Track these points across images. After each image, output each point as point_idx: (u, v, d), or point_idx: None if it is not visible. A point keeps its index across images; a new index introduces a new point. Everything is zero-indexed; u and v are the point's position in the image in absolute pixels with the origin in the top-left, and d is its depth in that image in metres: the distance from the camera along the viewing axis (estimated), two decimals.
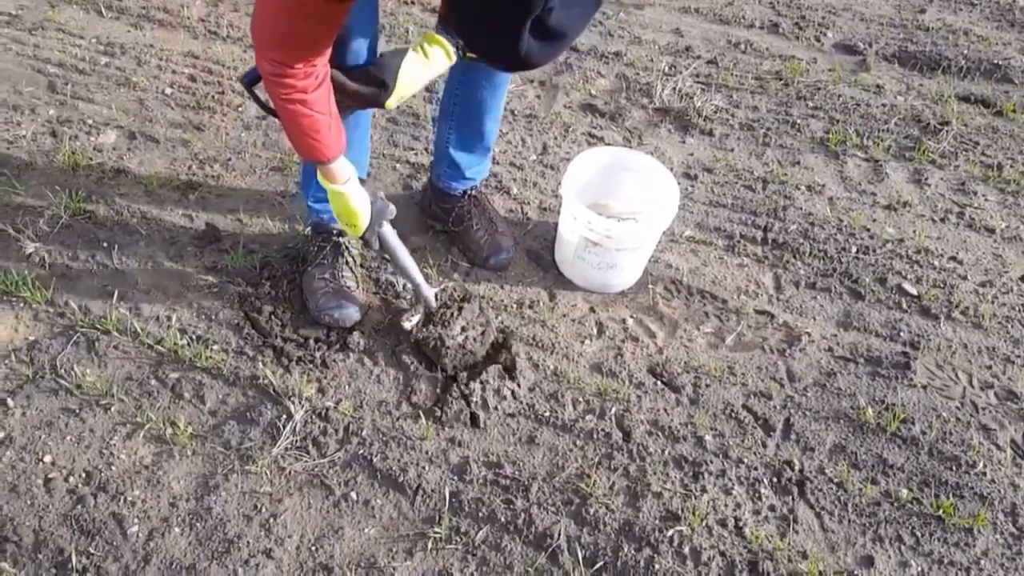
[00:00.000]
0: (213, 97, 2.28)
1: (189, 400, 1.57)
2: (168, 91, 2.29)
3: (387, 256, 1.60)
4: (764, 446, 1.56)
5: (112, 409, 1.54)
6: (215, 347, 1.65)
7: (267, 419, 1.54)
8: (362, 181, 1.48)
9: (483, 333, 1.64)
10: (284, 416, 1.54)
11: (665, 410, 1.61)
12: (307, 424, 1.53)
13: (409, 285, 1.66)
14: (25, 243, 1.81)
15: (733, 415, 1.61)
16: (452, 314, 1.64)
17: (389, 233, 1.55)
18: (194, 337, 1.66)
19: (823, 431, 1.60)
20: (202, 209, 1.94)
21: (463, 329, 1.63)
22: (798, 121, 2.37)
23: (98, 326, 1.66)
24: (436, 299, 1.66)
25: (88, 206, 1.91)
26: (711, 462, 1.52)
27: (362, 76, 1.34)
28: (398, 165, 2.13)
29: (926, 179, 2.21)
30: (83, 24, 2.55)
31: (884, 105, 2.46)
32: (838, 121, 2.39)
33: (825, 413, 1.63)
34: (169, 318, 1.69)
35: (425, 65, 1.36)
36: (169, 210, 1.94)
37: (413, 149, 2.19)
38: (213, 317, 1.70)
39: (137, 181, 2.01)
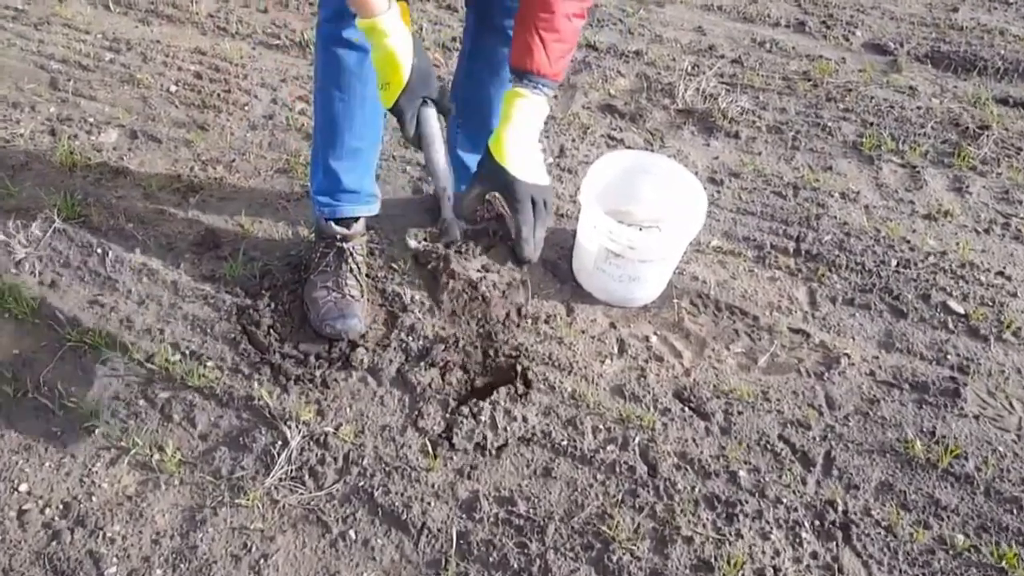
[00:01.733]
0: (219, 95, 2.07)
1: (179, 423, 1.37)
2: (173, 89, 2.09)
3: (421, 147, 1.17)
4: (804, 483, 1.34)
5: (96, 432, 1.34)
6: (209, 364, 1.44)
7: (261, 445, 1.33)
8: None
9: (508, 286, 1.24)
10: (279, 442, 1.33)
11: (694, 440, 1.39)
12: (304, 451, 1.33)
13: (436, 191, 1.21)
14: (16, 248, 1.62)
15: (769, 447, 1.39)
16: (475, 250, 1.26)
17: (431, 115, 1.14)
18: (187, 353, 1.46)
19: (868, 466, 1.38)
20: (202, 213, 1.74)
21: (484, 269, 1.24)
22: (829, 124, 2.12)
23: (87, 340, 1.46)
24: (460, 230, 1.19)
25: (83, 209, 1.70)
26: (746, 502, 1.30)
27: None
28: (408, 167, 1.91)
29: (967, 187, 1.96)
30: (90, 19, 2.34)
31: (919, 108, 2.21)
32: (871, 124, 2.13)
33: (869, 445, 1.41)
34: (162, 331, 1.49)
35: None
36: (168, 214, 1.73)
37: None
38: (208, 330, 1.50)
39: (136, 183, 1.80)
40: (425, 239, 1.27)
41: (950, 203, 1.91)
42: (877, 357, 1.56)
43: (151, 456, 1.31)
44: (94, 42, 2.25)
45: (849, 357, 1.54)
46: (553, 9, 1.12)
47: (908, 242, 1.79)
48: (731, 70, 2.33)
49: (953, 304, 1.65)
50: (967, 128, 2.12)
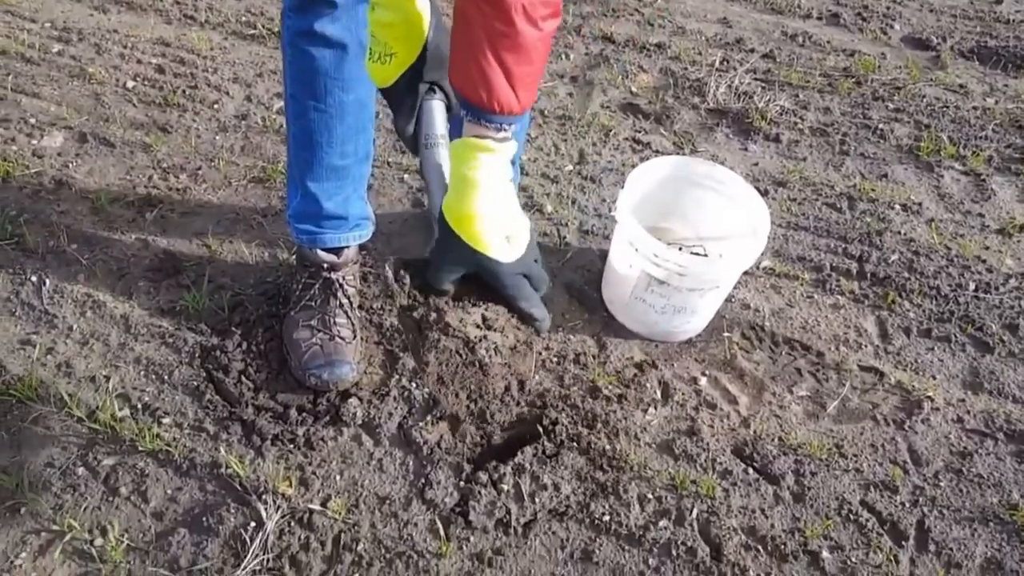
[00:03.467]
0: (184, 92, 1.81)
1: (127, 497, 1.11)
2: (130, 84, 1.82)
3: (416, 150, 0.92)
4: (896, 561, 1.11)
5: (22, 511, 1.08)
6: (165, 421, 1.19)
7: (230, 527, 1.08)
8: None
9: (512, 351, 0.89)
10: (253, 523, 1.08)
11: (763, 511, 1.15)
12: (284, 535, 1.07)
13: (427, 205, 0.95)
14: None
15: (852, 517, 1.16)
16: (473, 296, 0.90)
17: (437, 108, 0.91)
18: (139, 406, 1.20)
19: (969, 539, 1.15)
20: (161, 231, 1.48)
21: (484, 325, 0.89)
22: (880, 126, 1.90)
23: (13, 392, 1.19)
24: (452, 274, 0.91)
25: (16, 228, 1.44)
26: None
27: None
28: (406, 176, 1.67)
29: None
30: (37, 6, 2.06)
31: (975, 108, 2.00)
32: (926, 126, 1.92)
33: (968, 512, 1.18)
34: (108, 379, 1.23)
35: None
36: (120, 233, 1.47)
37: None
38: (165, 378, 1.24)
39: (83, 195, 1.54)
40: (403, 272, 0.90)
41: (1023, 216, 1.70)
42: (964, 400, 1.34)
43: (91, 542, 1.05)
44: (40, 31, 1.97)
45: (932, 400, 1.32)
46: (512, 20, 0.75)
47: (984, 261, 1.57)
48: (764, 65, 2.12)
49: None
50: None
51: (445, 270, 0.86)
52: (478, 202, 0.80)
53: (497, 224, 0.82)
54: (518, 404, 1.24)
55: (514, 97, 0.78)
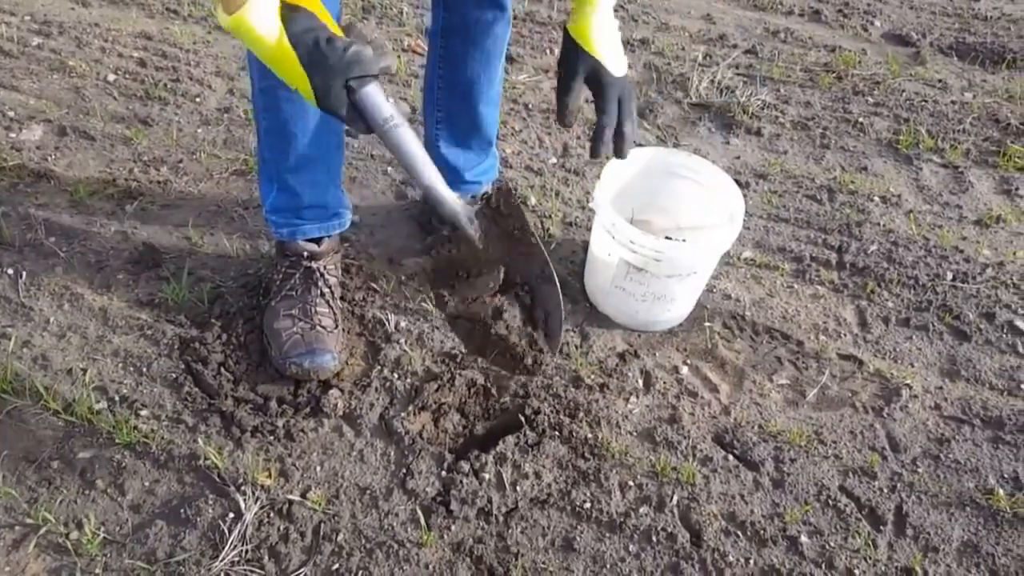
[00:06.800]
0: (166, 85, 1.79)
1: (103, 490, 1.09)
2: (111, 78, 1.80)
3: (382, 138, 0.87)
4: (875, 546, 1.12)
5: None
6: (143, 413, 1.17)
7: (208, 518, 1.06)
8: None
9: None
10: (231, 514, 1.06)
11: (742, 496, 1.15)
12: (262, 525, 1.06)
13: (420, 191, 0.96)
14: None
15: (830, 502, 1.16)
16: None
17: (373, 95, 0.83)
18: (116, 399, 1.18)
19: (946, 523, 1.16)
20: (141, 224, 1.46)
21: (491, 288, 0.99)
22: (860, 120, 1.91)
23: None
24: (472, 222, 0.96)
25: None
26: (812, 575, 1.07)
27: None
28: (390, 168, 1.66)
29: (1016, 189, 1.76)
30: None
31: (953, 102, 2.02)
32: (906, 120, 1.93)
33: (945, 497, 1.19)
34: (85, 371, 1.21)
35: None
36: (99, 225, 1.45)
37: None
38: (144, 370, 1.22)
39: (61, 188, 1.52)
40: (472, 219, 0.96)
41: (1000, 207, 1.71)
42: (941, 388, 1.34)
43: (67, 535, 1.03)
44: (20, 24, 1.94)
45: (910, 388, 1.33)
46: None
47: (961, 252, 1.58)
48: (746, 61, 2.12)
49: (1021, 324, 1.44)
50: (1008, 124, 1.94)
51: (573, 85, 1.02)
52: (596, 14, 0.98)
53: (608, 36, 1.00)
54: (500, 396, 1.23)
55: None
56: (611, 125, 1.04)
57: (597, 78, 1.01)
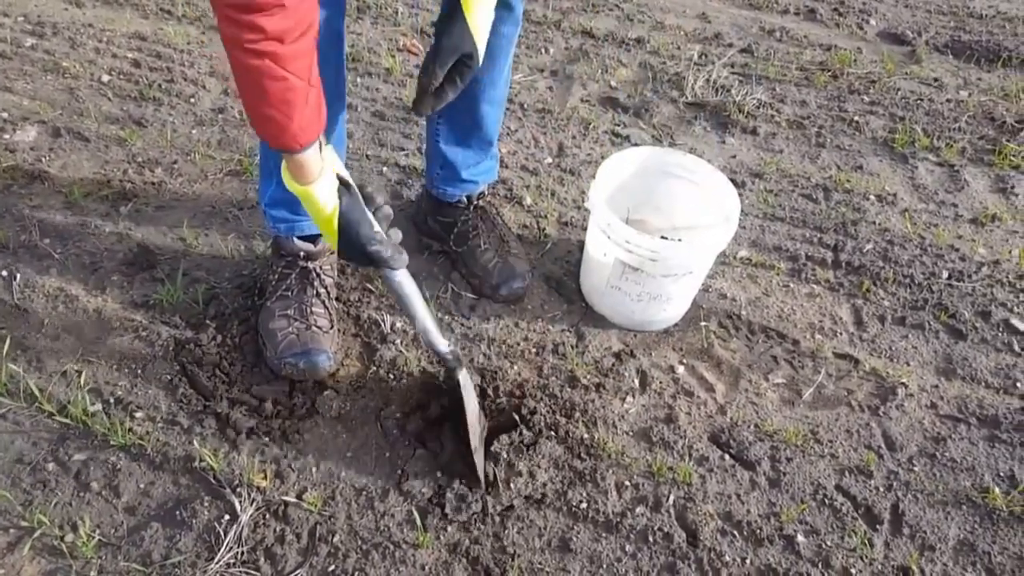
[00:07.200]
0: (160, 86, 1.78)
1: (98, 492, 1.09)
2: (105, 79, 1.79)
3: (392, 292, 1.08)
4: (871, 545, 1.12)
5: None
6: (138, 415, 1.16)
7: (204, 520, 1.06)
8: (347, 185, 0.98)
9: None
10: (227, 516, 1.06)
11: (739, 496, 1.15)
12: (258, 527, 1.06)
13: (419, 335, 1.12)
14: None
15: (827, 501, 1.16)
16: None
17: (386, 274, 1.07)
18: (111, 400, 1.18)
19: (943, 521, 1.16)
20: (135, 225, 1.45)
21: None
22: (856, 119, 1.91)
23: None
24: (455, 359, 1.11)
25: None
26: (809, 574, 1.07)
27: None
28: (385, 168, 1.65)
29: (1012, 188, 1.77)
30: (10, 0, 2.03)
31: (949, 101, 2.02)
32: (901, 119, 1.93)
33: (941, 495, 1.19)
34: (80, 374, 1.21)
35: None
36: (94, 227, 1.44)
37: (404, 149, 1.71)
38: (139, 372, 1.22)
39: (56, 189, 1.51)
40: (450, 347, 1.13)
41: (995, 206, 1.72)
42: (937, 386, 1.34)
43: (62, 537, 1.03)
44: (13, 25, 1.94)
45: (906, 387, 1.33)
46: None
47: (957, 250, 1.58)
48: (741, 60, 2.12)
49: (1017, 322, 1.45)
50: (1004, 123, 1.94)
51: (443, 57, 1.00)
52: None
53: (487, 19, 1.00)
54: (496, 397, 1.23)
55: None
56: (450, 92, 1.04)
57: (467, 59, 1.01)
